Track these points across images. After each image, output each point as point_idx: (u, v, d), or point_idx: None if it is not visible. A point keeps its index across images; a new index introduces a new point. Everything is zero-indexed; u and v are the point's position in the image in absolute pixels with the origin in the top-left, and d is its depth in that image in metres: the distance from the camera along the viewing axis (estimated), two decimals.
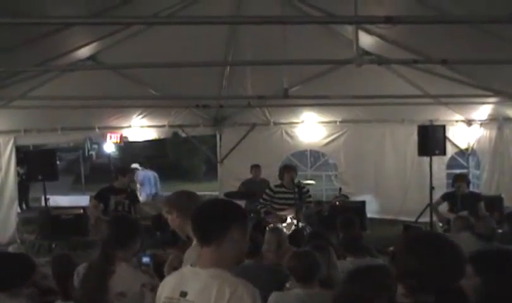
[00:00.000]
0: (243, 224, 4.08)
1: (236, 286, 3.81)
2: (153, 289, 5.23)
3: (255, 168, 16.63)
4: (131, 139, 19.65)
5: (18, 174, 18.38)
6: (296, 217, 12.07)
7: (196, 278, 3.99)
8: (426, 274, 3.29)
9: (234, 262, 4.11)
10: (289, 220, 12.42)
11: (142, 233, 6.01)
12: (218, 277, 3.89)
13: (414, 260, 3.38)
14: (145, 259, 6.51)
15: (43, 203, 16.35)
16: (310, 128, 20.14)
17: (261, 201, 12.88)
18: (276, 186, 12.94)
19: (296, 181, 12.68)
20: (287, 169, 12.99)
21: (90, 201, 17.20)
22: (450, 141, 18.08)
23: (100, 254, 5.77)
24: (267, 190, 13.08)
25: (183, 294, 3.98)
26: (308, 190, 13.21)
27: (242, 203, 13.07)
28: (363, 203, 16.47)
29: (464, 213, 11.41)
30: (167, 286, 4.23)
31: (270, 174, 16.69)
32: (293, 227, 12.18)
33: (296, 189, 12.30)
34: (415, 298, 3.35)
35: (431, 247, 3.44)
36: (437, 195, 14.73)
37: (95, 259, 5.88)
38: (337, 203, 14.08)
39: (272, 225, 11.85)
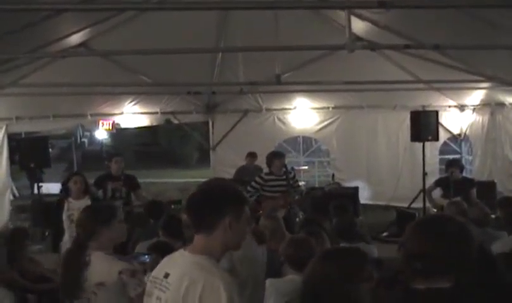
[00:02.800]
0: (239, 212, 3.98)
1: (212, 278, 3.73)
2: (134, 274, 5.21)
3: (250, 155, 16.61)
4: (123, 126, 19.66)
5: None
6: (288, 203, 12.07)
7: (180, 262, 3.95)
8: (432, 256, 3.27)
9: (227, 249, 4.05)
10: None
11: (116, 217, 5.81)
12: (197, 265, 3.84)
13: (418, 242, 3.37)
14: (142, 258, 6.46)
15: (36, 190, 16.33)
16: (303, 114, 20.14)
17: (248, 188, 12.66)
18: (266, 174, 12.85)
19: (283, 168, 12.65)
20: (276, 156, 12.86)
21: None
22: (443, 126, 18.08)
23: (72, 244, 5.73)
24: (257, 178, 12.93)
25: (166, 275, 3.95)
26: (294, 175, 13.16)
27: None
28: (356, 189, 16.50)
29: (457, 198, 11.41)
30: (159, 266, 4.20)
31: (263, 161, 16.67)
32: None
33: (284, 176, 12.30)
34: (425, 283, 3.33)
35: (435, 228, 3.43)
36: (429, 181, 14.77)
37: (67, 250, 5.85)
38: (331, 191, 14.05)
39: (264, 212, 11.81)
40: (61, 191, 11.78)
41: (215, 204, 3.96)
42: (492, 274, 3.35)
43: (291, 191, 12.30)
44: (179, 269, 3.91)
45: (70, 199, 10.92)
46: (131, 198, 12.85)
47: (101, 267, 5.39)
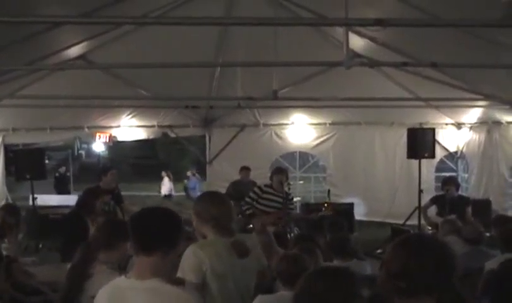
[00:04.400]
0: (178, 234, 4.07)
1: (179, 298, 3.79)
2: None
3: (244, 170, 16.58)
4: (120, 138, 19.66)
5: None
6: (279, 220, 12.03)
7: (135, 292, 3.90)
8: (414, 275, 3.28)
9: (170, 271, 4.12)
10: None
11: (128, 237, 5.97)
12: (155, 291, 3.84)
13: (400, 260, 3.38)
14: None
15: (30, 202, 16.31)
16: (300, 130, 20.13)
17: (247, 199, 12.64)
18: (265, 186, 12.81)
19: (286, 186, 12.61)
20: (277, 172, 12.86)
21: (78, 200, 17.15)
22: (439, 144, 18.10)
23: (81, 255, 5.76)
24: (255, 189, 12.89)
25: None
26: (292, 198, 13.11)
27: None
28: (351, 205, 16.49)
29: (452, 216, 11.41)
30: (100, 297, 4.13)
31: (259, 176, 16.69)
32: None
33: (284, 195, 12.26)
34: (408, 302, 3.34)
35: (417, 247, 3.43)
36: (425, 198, 14.77)
37: (75, 260, 5.88)
38: (329, 214, 14.00)
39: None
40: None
41: (174, 227, 4.06)
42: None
43: (286, 211, 12.23)
44: (136, 299, 3.88)
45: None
46: (117, 212, 12.79)
47: (101, 280, 5.41)
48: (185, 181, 28.24)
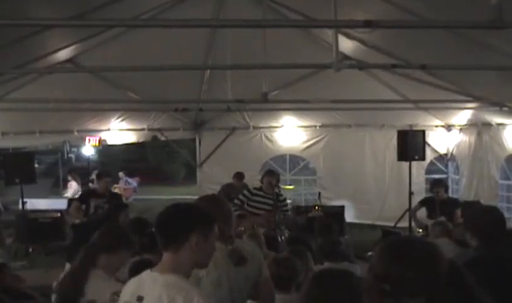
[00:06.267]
0: (206, 230, 4.06)
1: (190, 295, 3.79)
2: None
3: (238, 176, 16.53)
4: (110, 142, 19.64)
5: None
6: (271, 223, 12.01)
7: (152, 284, 3.97)
8: (397, 278, 3.27)
9: (195, 267, 4.13)
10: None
11: (131, 246, 6.07)
12: (171, 285, 3.88)
13: (384, 263, 3.37)
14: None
15: (20, 206, 16.27)
16: (290, 132, 20.16)
17: (235, 201, 12.64)
18: (255, 188, 12.80)
19: (276, 189, 12.60)
20: (267, 174, 12.87)
21: (68, 204, 17.16)
22: (429, 146, 18.15)
23: (82, 258, 5.75)
24: (245, 192, 12.92)
25: (139, 298, 3.97)
26: (285, 199, 13.06)
27: None
28: (342, 208, 16.47)
29: (442, 218, 11.42)
30: (127, 290, 4.21)
31: (250, 178, 16.69)
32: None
33: (274, 197, 12.23)
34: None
35: (400, 250, 3.42)
36: (415, 200, 14.78)
37: (74, 262, 5.86)
38: (316, 217, 13.96)
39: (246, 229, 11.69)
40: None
41: (181, 223, 4.05)
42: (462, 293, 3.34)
43: (277, 212, 12.20)
44: (153, 291, 3.92)
45: None
46: (111, 216, 12.77)
47: (96, 285, 5.46)
48: (90, 185, 27.94)
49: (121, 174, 30.27)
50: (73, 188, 25.23)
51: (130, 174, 31.93)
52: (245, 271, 5.36)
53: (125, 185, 28.30)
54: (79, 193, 14.49)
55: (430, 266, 3.30)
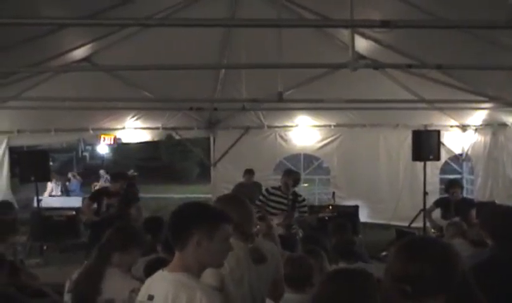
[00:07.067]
0: (211, 230, 4.03)
1: (194, 292, 3.80)
2: None
3: (248, 173, 16.57)
4: (124, 140, 19.72)
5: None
6: (286, 223, 11.98)
7: (162, 282, 4.02)
8: (416, 278, 3.26)
9: (204, 266, 4.12)
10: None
11: (143, 244, 6.16)
12: (177, 282, 3.92)
13: (402, 264, 3.36)
14: None
15: (35, 204, 16.33)
16: (304, 132, 20.16)
17: (257, 202, 12.62)
18: (273, 188, 12.77)
19: (291, 189, 12.54)
20: (284, 174, 12.82)
21: (83, 202, 17.25)
22: (444, 146, 18.06)
23: (96, 256, 5.77)
24: (264, 191, 12.92)
25: (150, 297, 4.02)
26: (303, 200, 12.98)
27: None
28: (356, 208, 16.46)
29: (457, 219, 11.38)
30: (142, 290, 4.26)
31: (263, 177, 16.74)
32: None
33: (291, 197, 12.20)
34: None
35: (418, 250, 3.41)
36: (430, 200, 14.72)
37: (89, 261, 5.88)
38: (326, 218, 13.90)
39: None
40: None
41: (182, 221, 4.07)
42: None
43: (291, 213, 12.16)
44: (161, 289, 3.97)
45: None
46: (122, 215, 12.80)
47: (114, 283, 5.51)
48: (66, 183, 27.87)
49: (101, 172, 30.28)
50: (49, 187, 25.13)
51: (94, 174, 31.93)
52: (265, 270, 5.37)
53: (105, 184, 28.36)
54: (94, 191, 14.53)
55: (448, 264, 3.29)
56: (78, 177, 30.87)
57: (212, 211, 4.24)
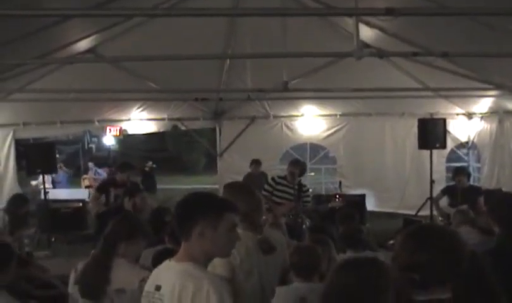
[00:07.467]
0: (215, 220, 4.01)
1: (201, 282, 3.80)
2: None
3: (255, 163, 16.61)
4: (130, 132, 19.70)
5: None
6: (293, 213, 11.97)
7: (169, 272, 4.02)
8: (424, 266, 3.26)
9: (209, 256, 4.10)
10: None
11: (148, 234, 6.19)
12: (184, 272, 3.91)
13: (409, 252, 3.36)
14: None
15: (42, 196, 16.37)
16: (310, 121, 20.17)
17: (263, 192, 12.56)
18: (279, 177, 12.74)
19: (297, 180, 12.50)
20: (290, 164, 12.78)
21: (89, 194, 17.29)
22: (450, 134, 18.04)
23: (102, 246, 5.77)
24: (270, 181, 12.90)
25: (158, 288, 4.02)
26: (308, 190, 12.98)
27: None
28: (363, 197, 16.45)
29: (464, 206, 11.35)
30: (149, 280, 4.25)
31: (270, 167, 16.76)
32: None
33: (296, 187, 12.19)
34: (424, 294, 3.31)
35: (425, 238, 3.41)
36: (436, 188, 14.73)
37: (96, 251, 5.89)
38: (337, 207, 13.89)
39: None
40: None
41: (187, 212, 4.07)
42: (482, 281, 3.34)
43: (297, 202, 12.15)
44: (169, 279, 3.97)
45: None
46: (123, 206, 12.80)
47: (123, 273, 5.51)
48: (53, 175, 27.68)
49: (90, 164, 30.36)
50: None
51: (99, 165, 31.78)
52: (274, 260, 5.38)
53: (94, 176, 28.30)
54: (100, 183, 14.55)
55: (454, 252, 3.30)
56: (64, 168, 30.85)
57: (216, 201, 4.23)
